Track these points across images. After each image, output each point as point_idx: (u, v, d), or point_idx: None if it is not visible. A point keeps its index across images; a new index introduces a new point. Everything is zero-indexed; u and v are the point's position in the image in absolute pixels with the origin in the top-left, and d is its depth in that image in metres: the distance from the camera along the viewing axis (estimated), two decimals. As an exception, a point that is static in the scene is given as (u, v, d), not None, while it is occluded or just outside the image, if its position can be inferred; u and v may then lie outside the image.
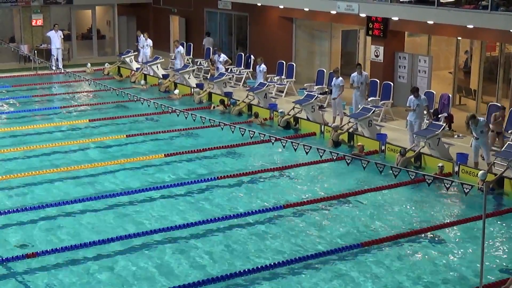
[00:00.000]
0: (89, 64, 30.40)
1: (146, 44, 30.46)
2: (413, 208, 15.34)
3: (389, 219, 14.64)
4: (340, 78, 21.62)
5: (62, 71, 28.38)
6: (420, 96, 19.06)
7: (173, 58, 30.47)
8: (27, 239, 13.46)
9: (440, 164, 16.74)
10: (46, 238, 13.53)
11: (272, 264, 12.27)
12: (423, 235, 13.76)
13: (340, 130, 19.64)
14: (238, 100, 23.44)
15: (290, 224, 14.30)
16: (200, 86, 26.46)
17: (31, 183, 16.46)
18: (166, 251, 13.01)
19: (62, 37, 31.13)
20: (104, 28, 35.96)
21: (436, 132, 17.77)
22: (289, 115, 21.33)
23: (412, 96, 18.97)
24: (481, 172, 15.82)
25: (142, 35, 30.64)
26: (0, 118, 22.82)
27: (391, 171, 14.16)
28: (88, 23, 35.50)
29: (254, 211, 14.56)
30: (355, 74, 21.38)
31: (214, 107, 23.53)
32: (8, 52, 31.77)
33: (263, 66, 25.07)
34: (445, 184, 13.69)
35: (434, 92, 21.10)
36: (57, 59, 30.53)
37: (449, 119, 20.18)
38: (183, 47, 29.44)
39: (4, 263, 12.26)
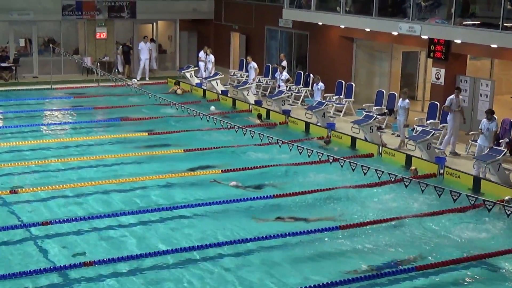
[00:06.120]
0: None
1: (208, 60, 30.82)
2: (471, 233, 15.05)
3: (445, 244, 14.42)
4: (407, 100, 21.46)
5: (148, 81, 30.95)
6: (493, 119, 18.78)
7: (232, 74, 30.80)
8: (85, 248, 13.68)
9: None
10: (103, 247, 13.74)
11: (323, 284, 12.15)
12: (480, 261, 13.52)
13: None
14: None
15: (344, 245, 14.20)
16: (258, 103, 26.59)
17: (87, 193, 16.74)
18: (224, 262, 13.11)
19: (151, 48, 32.53)
20: (166, 42, 36.46)
21: (497, 158, 17.48)
22: None
23: (485, 119, 18.75)
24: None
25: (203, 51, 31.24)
26: (62, 129, 23.34)
27: (450, 195, 13.96)
28: (150, 37, 36.01)
29: (308, 230, 14.44)
30: (452, 96, 20.91)
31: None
32: (72, 64, 32.51)
33: (321, 84, 25.06)
34: (506, 211, 13.43)
35: (496, 117, 20.75)
36: (143, 68, 32.28)
37: (510, 145, 19.83)
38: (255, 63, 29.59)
39: (62, 271, 12.47)
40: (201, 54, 31.31)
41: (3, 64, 31.33)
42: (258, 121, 24.34)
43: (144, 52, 32.36)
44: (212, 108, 26.00)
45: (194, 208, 15.74)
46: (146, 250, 13.42)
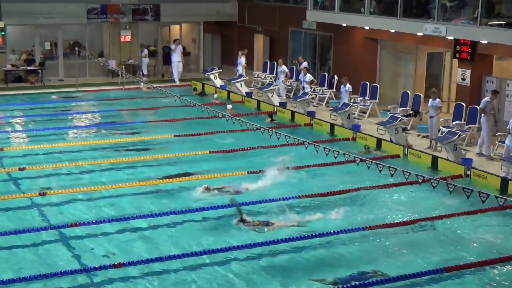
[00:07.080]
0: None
1: (239, 62, 30.91)
2: (500, 234, 14.97)
3: (474, 245, 14.35)
4: (438, 99, 21.42)
5: (178, 83, 31.79)
6: None
7: (256, 76, 30.79)
8: (114, 249, 13.77)
9: None
10: (131, 249, 13.83)
11: (348, 286, 12.15)
12: (509, 262, 13.46)
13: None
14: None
15: (371, 247, 14.19)
16: (282, 105, 26.63)
17: (116, 195, 16.84)
18: (250, 265, 13.15)
19: (182, 51, 33.11)
20: (190, 45, 36.61)
21: (525, 159, 17.40)
22: None
23: None
24: None
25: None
26: (88, 131, 23.52)
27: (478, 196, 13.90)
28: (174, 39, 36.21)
29: (334, 231, 14.45)
30: (488, 99, 20.73)
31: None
32: (97, 67, 32.77)
33: (348, 85, 25.05)
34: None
35: (523, 117, 20.69)
36: (172, 72, 33.05)
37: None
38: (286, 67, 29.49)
39: (92, 272, 12.57)
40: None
41: (29, 68, 31.67)
42: (268, 120, 24.48)
43: (176, 54, 32.75)
44: (229, 106, 26.06)
45: (220, 209, 15.79)
46: (177, 251, 13.50)
